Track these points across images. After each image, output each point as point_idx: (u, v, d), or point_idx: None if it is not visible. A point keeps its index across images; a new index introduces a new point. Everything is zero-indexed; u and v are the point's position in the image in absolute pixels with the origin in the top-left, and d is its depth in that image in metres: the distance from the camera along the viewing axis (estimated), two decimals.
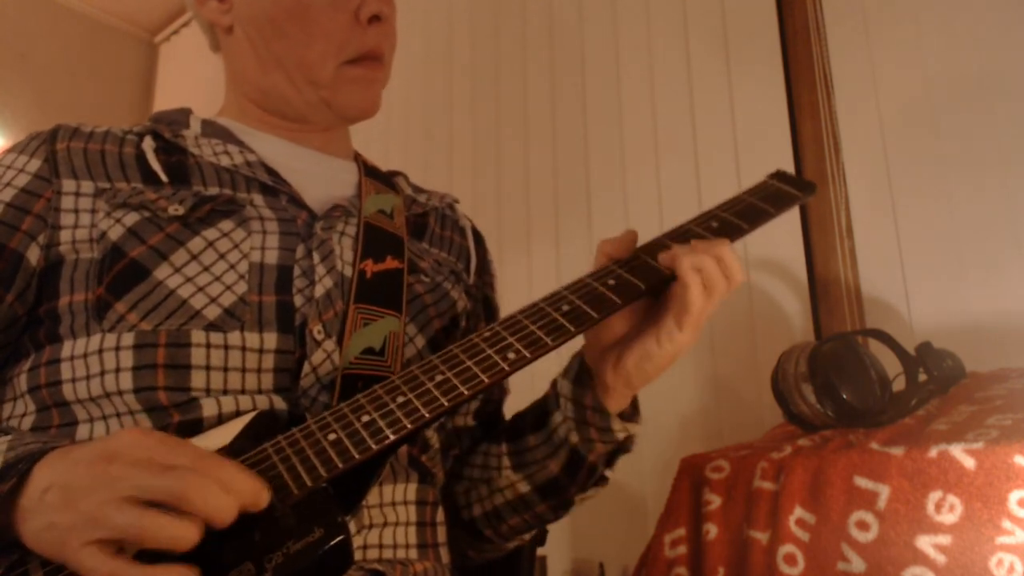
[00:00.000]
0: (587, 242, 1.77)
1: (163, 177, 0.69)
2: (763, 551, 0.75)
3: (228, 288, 0.64)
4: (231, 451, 0.53)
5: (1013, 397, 0.90)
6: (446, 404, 0.54)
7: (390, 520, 0.66)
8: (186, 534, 0.44)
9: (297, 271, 0.67)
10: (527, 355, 0.57)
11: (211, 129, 0.77)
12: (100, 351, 0.61)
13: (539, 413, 0.73)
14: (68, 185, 0.67)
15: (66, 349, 0.62)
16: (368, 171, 0.84)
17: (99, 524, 0.44)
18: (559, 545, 1.60)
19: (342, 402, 0.56)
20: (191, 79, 2.92)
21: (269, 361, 0.63)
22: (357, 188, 0.80)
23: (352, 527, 0.61)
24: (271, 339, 0.63)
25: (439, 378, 0.56)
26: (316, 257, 0.68)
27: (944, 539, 0.65)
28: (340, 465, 0.51)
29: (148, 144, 0.72)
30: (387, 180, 0.85)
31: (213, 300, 0.63)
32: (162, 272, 0.63)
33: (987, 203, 1.25)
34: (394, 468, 0.68)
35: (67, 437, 0.60)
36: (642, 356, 0.63)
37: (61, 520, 0.45)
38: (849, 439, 0.84)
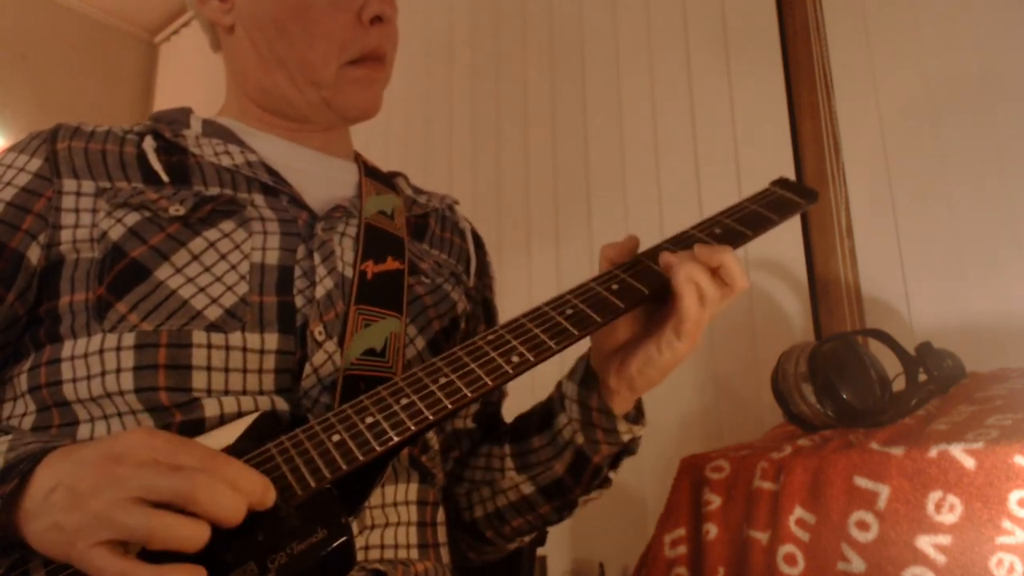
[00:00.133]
0: (587, 242, 1.77)
1: (164, 177, 0.69)
2: (763, 551, 0.75)
3: (229, 289, 0.64)
4: (234, 452, 0.53)
5: (1013, 397, 0.90)
6: (450, 406, 0.54)
7: (391, 520, 0.66)
8: (196, 534, 0.44)
9: (298, 272, 0.67)
10: (531, 358, 0.57)
11: (212, 129, 0.77)
12: (101, 351, 0.61)
13: (543, 415, 0.73)
14: (69, 185, 0.67)
15: (67, 349, 0.62)
16: (368, 171, 0.84)
17: (107, 525, 0.44)
18: (559, 545, 1.60)
19: (344, 403, 0.56)
20: (191, 79, 2.92)
21: (270, 362, 0.63)
22: (358, 189, 0.80)
23: (354, 528, 0.61)
24: (272, 340, 0.63)
25: (443, 380, 0.56)
26: (317, 258, 0.68)
27: (944, 539, 0.65)
28: (344, 466, 0.51)
29: (149, 144, 0.72)
30: (387, 181, 0.85)
31: (214, 301, 0.63)
32: (163, 272, 0.63)
33: (987, 203, 1.25)
34: (395, 469, 0.68)
35: (68, 437, 0.60)
36: (645, 361, 0.63)
37: (68, 521, 0.45)
38: (849, 439, 0.84)
